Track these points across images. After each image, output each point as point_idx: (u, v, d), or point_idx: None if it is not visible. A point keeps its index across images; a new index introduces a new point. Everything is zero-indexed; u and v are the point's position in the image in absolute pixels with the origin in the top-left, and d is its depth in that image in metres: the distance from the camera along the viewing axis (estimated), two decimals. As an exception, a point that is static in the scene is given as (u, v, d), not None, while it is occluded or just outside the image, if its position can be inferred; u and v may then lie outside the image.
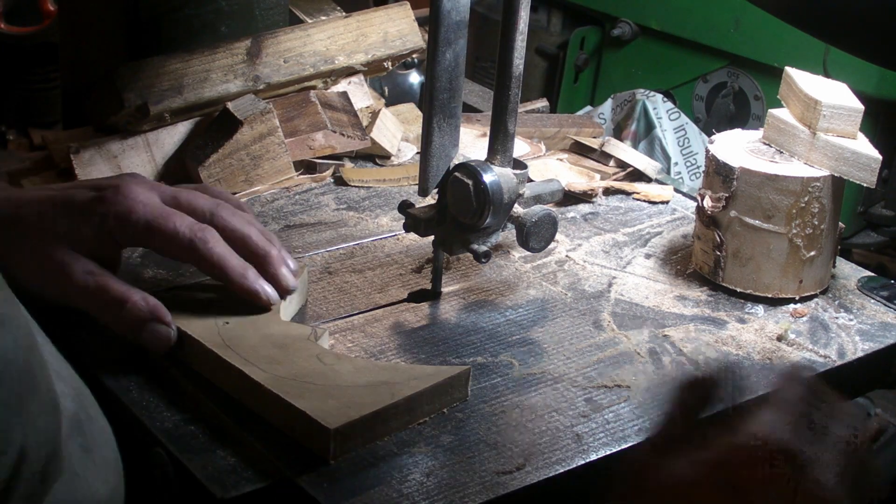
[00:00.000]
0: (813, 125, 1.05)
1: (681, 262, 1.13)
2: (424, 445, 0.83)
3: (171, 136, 1.23)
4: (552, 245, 1.06)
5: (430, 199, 1.01)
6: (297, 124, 1.27)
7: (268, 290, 0.94)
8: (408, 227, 1.01)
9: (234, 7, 1.31)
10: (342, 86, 1.34)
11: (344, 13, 1.39)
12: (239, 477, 0.78)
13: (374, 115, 1.33)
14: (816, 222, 1.04)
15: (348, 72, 1.34)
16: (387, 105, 1.39)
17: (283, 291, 0.95)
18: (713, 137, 1.12)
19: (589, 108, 1.95)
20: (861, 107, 1.06)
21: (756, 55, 1.83)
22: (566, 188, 1.20)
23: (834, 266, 1.11)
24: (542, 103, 1.54)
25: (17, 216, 0.91)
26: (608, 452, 0.84)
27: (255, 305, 0.94)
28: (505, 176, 0.98)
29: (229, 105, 1.22)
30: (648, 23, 1.94)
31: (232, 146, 1.20)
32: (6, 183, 1.00)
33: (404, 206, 1.02)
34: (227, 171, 1.20)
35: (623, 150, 1.32)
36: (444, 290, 1.05)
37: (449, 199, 0.99)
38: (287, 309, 0.97)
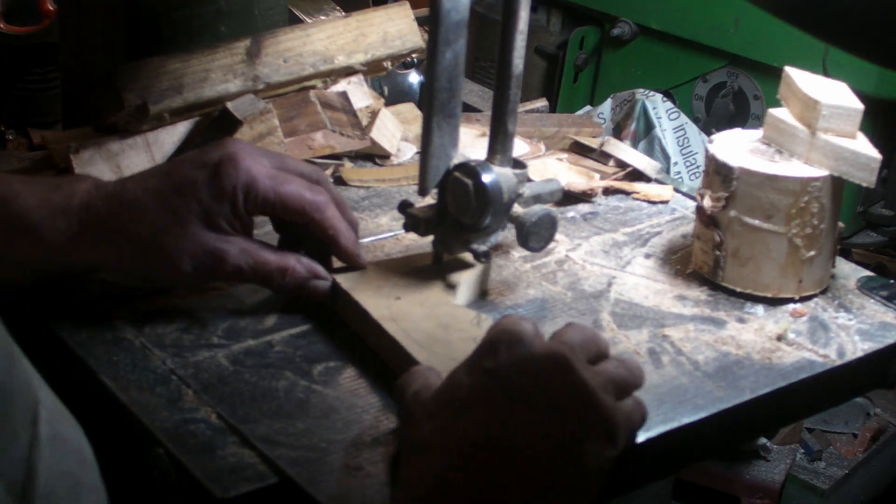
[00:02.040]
0: (812, 125, 1.05)
1: (680, 262, 1.13)
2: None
3: (171, 136, 1.23)
4: (552, 245, 1.06)
5: (430, 199, 1.01)
6: (297, 124, 1.26)
7: (362, 254, 1.01)
8: (407, 227, 1.01)
9: (234, 7, 1.30)
10: (342, 86, 1.34)
11: (343, 13, 1.39)
12: (239, 477, 0.78)
13: (374, 114, 1.33)
14: (816, 222, 1.04)
15: (348, 72, 1.34)
16: (386, 105, 1.39)
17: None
18: (712, 137, 1.12)
19: (588, 107, 1.96)
20: (861, 106, 1.06)
21: (756, 55, 1.83)
22: (566, 188, 1.20)
23: (834, 266, 1.11)
24: (542, 103, 1.54)
25: (133, 207, 0.92)
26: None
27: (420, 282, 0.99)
28: (504, 176, 0.98)
29: (229, 105, 1.22)
30: (648, 22, 1.94)
31: (231, 146, 1.20)
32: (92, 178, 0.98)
33: (404, 206, 1.02)
34: (227, 170, 1.20)
35: (623, 150, 1.32)
36: (444, 289, 1.05)
37: (449, 199, 0.99)
38: (461, 295, 1.00)
